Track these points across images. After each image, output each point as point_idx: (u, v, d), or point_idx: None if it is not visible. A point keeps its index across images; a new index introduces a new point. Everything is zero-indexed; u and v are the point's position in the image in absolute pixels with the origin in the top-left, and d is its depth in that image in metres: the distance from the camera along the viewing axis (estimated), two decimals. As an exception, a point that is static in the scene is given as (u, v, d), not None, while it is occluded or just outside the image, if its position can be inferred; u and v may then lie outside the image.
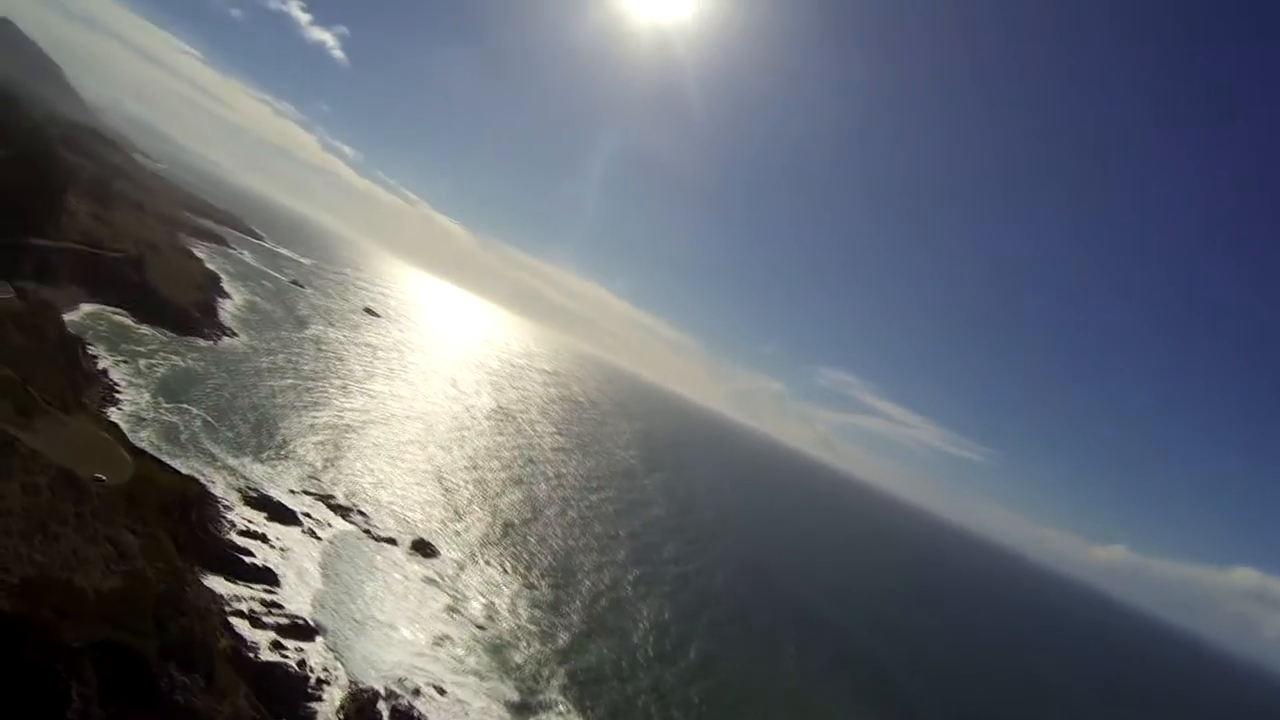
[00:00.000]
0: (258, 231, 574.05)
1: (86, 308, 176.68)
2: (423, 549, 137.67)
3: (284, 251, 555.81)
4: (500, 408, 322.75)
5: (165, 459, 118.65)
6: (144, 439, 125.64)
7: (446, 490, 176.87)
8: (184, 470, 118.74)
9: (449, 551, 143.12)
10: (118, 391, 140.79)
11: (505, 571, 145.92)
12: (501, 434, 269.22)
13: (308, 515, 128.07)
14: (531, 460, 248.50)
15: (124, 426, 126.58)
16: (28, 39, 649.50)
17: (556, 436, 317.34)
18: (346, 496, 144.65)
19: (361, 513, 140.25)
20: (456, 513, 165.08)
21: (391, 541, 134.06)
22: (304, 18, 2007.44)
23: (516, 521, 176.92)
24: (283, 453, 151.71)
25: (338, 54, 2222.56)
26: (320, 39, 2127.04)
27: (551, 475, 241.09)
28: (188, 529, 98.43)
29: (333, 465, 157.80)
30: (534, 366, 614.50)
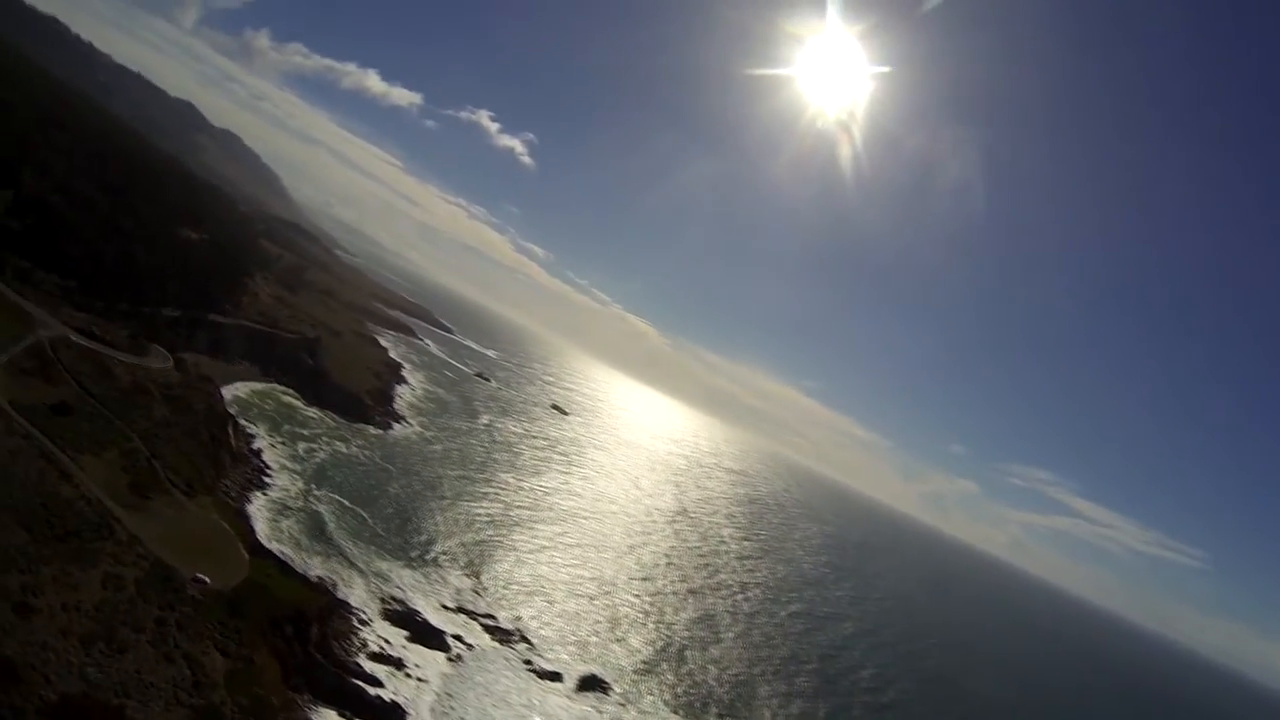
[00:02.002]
0: (447, 324, 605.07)
1: (255, 385, 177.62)
2: (591, 685, 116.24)
3: (472, 344, 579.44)
4: (683, 510, 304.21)
5: (296, 559, 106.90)
6: (282, 531, 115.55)
7: (620, 606, 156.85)
8: (318, 573, 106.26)
9: (620, 684, 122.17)
10: (267, 475, 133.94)
11: (683, 713, 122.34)
12: (683, 539, 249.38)
13: (458, 638, 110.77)
14: (714, 569, 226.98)
15: (264, 514, 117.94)
16: (249, 150, 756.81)
17: (742, 541, 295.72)
18: (506, 615, 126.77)
19: (523, 638, 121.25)
20: (629, 635, 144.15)
21: (555, 676, 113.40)
22: (493, 126, 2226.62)
23: (696, 645, 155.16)
24: (438, 556, 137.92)
25: (526, 160, 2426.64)
26: (509, 145, 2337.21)
27: (735, 586, 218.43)
28: (302, 649, 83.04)
29: (493, 572, 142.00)
30: (721, 466, 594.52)
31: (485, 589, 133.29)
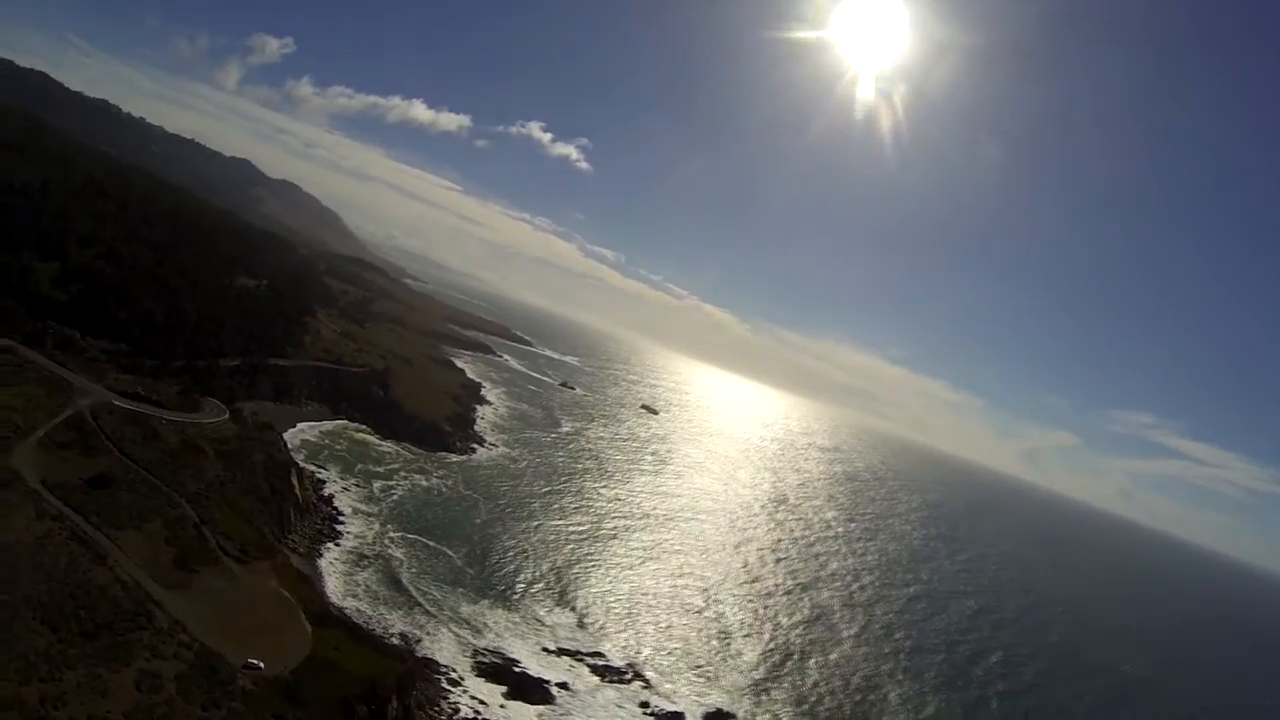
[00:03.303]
0: (526, 338, 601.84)
1: (324, 425, 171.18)
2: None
3: (552, 354, 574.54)
4: (783, 497, 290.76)
5: (373, 617, 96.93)
6: (357, 585, 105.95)
7: (730, 616, 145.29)
8: (399, 631, 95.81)
9: (744, 711, 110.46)
10: (339, 522, 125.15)
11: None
12: (787, 529, 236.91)
13: (563, 687, 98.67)
14: (823, 558, 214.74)
15: (337, 569, 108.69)
16: (308, 195, 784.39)
17: (848, 524, 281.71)
18: (613, 648, 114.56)
19: (636, 674, 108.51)
20: (745, 649, 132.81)
21: (677, 718, 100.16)
22: (545, 136, 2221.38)
23: (816, 650, 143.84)
24: (532, 588, 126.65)
25: (582, 165, 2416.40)
26: (564, 153, 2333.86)
27: (848, 574, 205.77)
28: (380, 728, 71.98)
29: (592, 597, 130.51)
30: (815, 446, 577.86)
31: (587, 619, 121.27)
